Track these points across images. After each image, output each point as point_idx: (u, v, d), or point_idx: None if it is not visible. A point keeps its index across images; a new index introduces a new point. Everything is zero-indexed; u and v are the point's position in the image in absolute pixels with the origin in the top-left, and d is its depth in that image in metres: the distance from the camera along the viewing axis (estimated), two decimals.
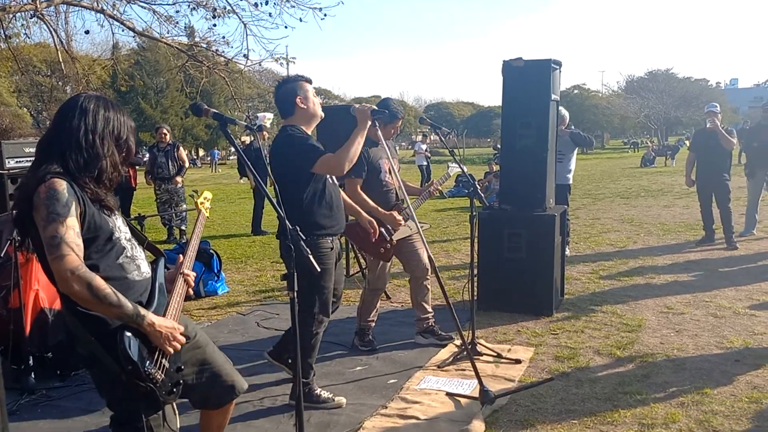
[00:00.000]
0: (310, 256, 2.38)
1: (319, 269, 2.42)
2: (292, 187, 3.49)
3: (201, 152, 50.79)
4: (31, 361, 4.04)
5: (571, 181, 7.92)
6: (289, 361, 3.81)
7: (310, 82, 3.64)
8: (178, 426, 2.35)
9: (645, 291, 6.11)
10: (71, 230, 2.02)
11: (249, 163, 2.68)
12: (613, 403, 3.61)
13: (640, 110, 52.41)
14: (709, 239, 8.38)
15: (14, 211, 2.15)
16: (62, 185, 2.05)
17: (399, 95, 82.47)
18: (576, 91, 55.70)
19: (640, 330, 4.93)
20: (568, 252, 7.94)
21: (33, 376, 4.03)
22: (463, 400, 3.74)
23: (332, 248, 3.64)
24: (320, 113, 3.64)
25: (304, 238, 2.40)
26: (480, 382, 3.58)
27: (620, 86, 62.66)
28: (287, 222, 2.40)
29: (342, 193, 3.94)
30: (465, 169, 4.40)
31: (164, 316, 2.23)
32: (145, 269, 2.29)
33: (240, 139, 14.99)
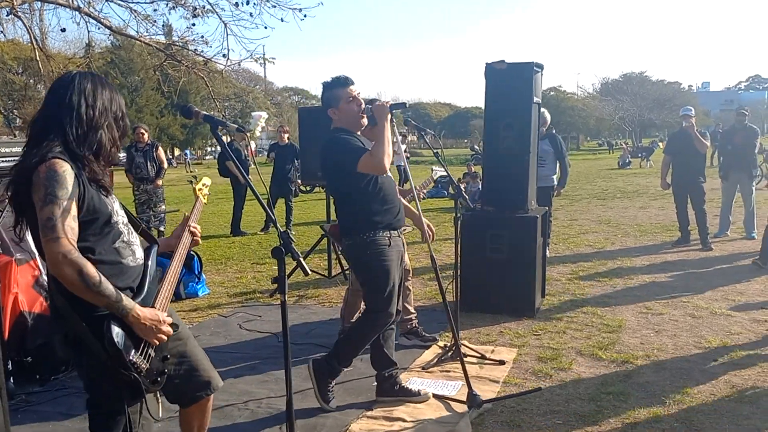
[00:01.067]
0: (301, 259, 2.37)
1: (309, 272, 2.42)
2: (343, 186, 3.61)
3: (177, 152, 50.30)
4: (10, 366, 3.97)
5: (555, 183, 8.00)
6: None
7: (346, 84, 3.58)
8: (161, 413, 2.33)
9: (624, 292, 6.20)
10: (67, 213, 2.00)
11: (238, 163, 2.66)
12: (597, 403, 3.66)
13: (614, 112, 53.10)
14: (685, 240, 8.52)
15: (11, 190, 2.11)
16: (63, 166, 2.03)
17: (377, 95, 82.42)
18: (552, 93, 56.25)
19: (620, 330, 4.99)
20: (547, 253, 8.02)
21: (12, 380, 3.96)
22: (448, 402, 3.76)
23: (390, 245, 3.60)
24: (360, 121, 3.61)
25: (294, 240, 2.39)
26: (469, 386, 3.60)
27: (595, 88, 63.43)
28: (277, 225, 2.38)
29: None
30: (448, 172, 4.41)
31: (153, 303, 2.21)
32: (140, 255, 2.28)
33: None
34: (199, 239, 2.56)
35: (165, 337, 2.19)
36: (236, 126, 2.39)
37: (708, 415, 3.46)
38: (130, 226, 2.29)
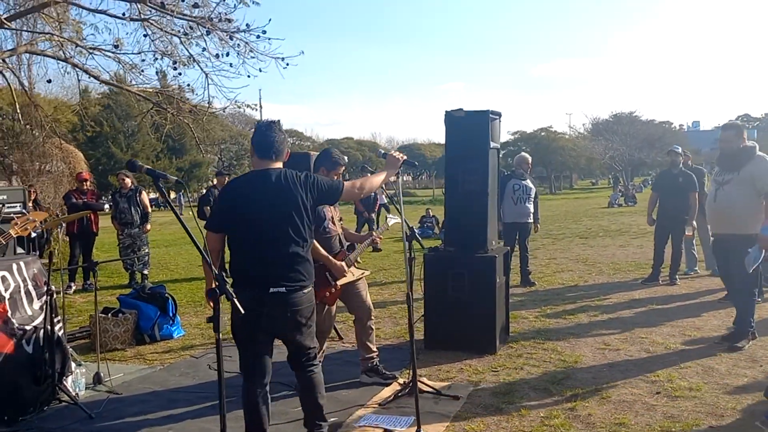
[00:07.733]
0: (234, 299, 2.59)
1: (243, 310, 2.63)
2: None
3: (173, 195, 50.65)
4: None
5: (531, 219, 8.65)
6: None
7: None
8: None
9: (587, 328, 6.38)
10: None
11: (175, 208, 2.86)
12: None
13: (605, 151, 53.76)
14: (654, 278, 8.71)
15: None
16: None
17: (371, 136, 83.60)
18: (543, 134, 57.09)
19: (575, 366, 5.16)
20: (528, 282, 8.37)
21: None
22: None
23: None
24: None
25: (228, 282, 2.60)
26: (418, 423, 3.78)
27: (586, 128, 64.29)
28: (213, 267, 2.60)
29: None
30: (404, 218, 4.63)
31: None
32: None
33: (212, 181, 15.41)
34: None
35: None
36: (175, 179, 2.62)
37: None
38: None
